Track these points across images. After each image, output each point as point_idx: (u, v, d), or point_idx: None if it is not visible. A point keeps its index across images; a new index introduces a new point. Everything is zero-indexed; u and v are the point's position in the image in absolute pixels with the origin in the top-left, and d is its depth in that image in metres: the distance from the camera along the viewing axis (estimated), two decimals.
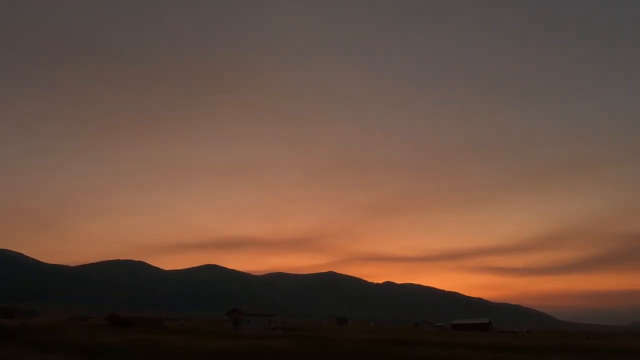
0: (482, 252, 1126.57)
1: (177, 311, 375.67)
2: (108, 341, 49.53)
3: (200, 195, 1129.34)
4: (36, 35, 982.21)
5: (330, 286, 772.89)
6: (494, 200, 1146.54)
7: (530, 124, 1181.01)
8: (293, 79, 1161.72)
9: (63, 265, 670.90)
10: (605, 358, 46.94)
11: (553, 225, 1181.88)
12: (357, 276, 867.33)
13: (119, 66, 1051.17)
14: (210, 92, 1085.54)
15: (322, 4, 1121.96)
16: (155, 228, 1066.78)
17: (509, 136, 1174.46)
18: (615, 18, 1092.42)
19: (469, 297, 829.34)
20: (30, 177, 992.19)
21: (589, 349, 61.41)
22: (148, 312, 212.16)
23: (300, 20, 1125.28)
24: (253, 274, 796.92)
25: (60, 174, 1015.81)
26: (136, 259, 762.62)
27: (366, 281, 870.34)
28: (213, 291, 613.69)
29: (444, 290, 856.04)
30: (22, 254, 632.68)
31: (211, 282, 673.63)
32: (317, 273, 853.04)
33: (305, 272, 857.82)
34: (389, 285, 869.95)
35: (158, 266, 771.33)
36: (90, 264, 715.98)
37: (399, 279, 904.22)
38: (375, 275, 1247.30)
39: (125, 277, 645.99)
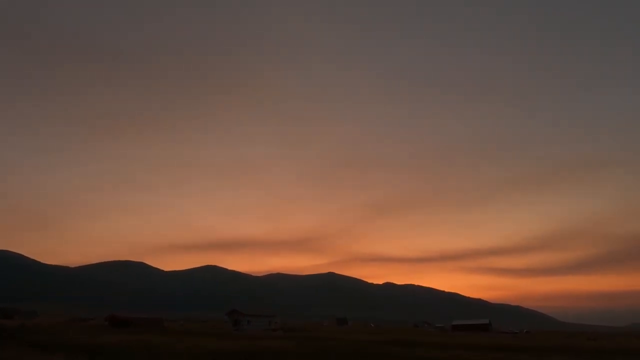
0: (483, 253, 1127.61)
1: (177, 312, 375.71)
2: (108, 342, 49.51)
3: (201, 196, 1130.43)
4: (36, 35, 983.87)
5: (331, 287, 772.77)
6: (494, 200, 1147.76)
7: (532, 124, 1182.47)
8: (293, 79, 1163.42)
9: (63, 266, 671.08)
10: (606, 359, 46.92)
11: (553, 225, 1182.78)
12: (357, 277, 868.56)
13: (119, 66, 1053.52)
14: (210, 92, 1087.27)
15: (323, 4, 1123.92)
16: (155, 228, 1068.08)
17: (509, 136, 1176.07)
18: (616, 18, 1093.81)
19: (469, 297, 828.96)
20: (30, 177, 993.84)
21: (589, 349, 61.38)
22: (148, 312, 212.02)
23: (301, 20, 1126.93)
24: (253, 274, 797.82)
25: (60, 174, 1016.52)
26: (136, 259, 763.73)
27: (366, 282, 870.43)
28: (213, 292, 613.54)
29: (444, 291, 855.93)
30: (21, 255, 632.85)
31: (211, 282, 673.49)
32: (317, 274, 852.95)
33: (305, 273, 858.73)
34: (389, 286, 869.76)
35: (158, 267, 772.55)
36: (90, 264, 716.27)
37: (399, 280, 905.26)
38: (376, 275, 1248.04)
39: (125, 278, 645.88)
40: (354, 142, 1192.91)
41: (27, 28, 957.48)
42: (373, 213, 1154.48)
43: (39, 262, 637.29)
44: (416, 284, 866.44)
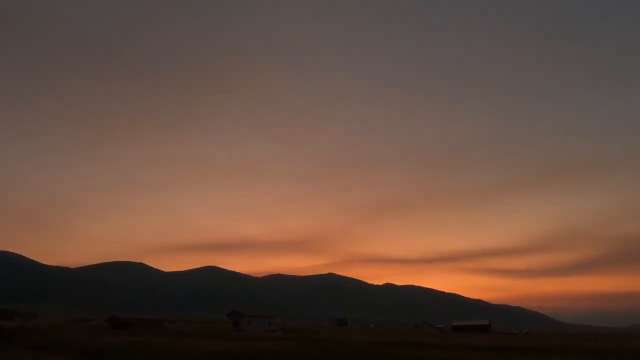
0: (482, 254, 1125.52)
1: (177, 313, 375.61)
2: (108, 343, 49.47)
3: (200, 196, 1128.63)
4: (36, 35, 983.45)
5: (331, 287, 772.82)
6: (494, 201, 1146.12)
7: (531, 125, 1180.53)
8: (293, 79, 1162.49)
9: (63, 267, 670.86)
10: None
11: (553, 226, 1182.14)
12: (357, 277, 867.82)
13: (119, 67, 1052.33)
14: (210, 92, 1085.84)
15: (323, 6, 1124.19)
16: (155, 229, 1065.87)
17: (509, 137, 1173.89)
18: (616, 18, 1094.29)
19: (469, 298, 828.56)
20: (30, 177, 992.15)
21: (589, 350, 61.37)
22: (148, 313, 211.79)
23: (300, 22, 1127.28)
24: (253, 275, 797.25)
25: (60, 174, 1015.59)
26: (136, 260, 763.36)
27: (366, 283, 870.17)
28: (213, 292, 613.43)
29: (444, 292, 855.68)
30: (21, 255, 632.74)
31: (211, 283, 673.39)
32: (317, 274, 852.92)
33: (305, 274, 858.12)
34: (389, 286, 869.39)
35: (158, 267, 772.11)
36: (90, 265, 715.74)
37: (399, 281, 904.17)
38: (376, 276, 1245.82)
39: (125, 279, 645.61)
40: (354, 143, 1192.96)
41: (26, 28, 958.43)
42: (373, 214, 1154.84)
43: (39, 263, 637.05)
44: (416, 284, 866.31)
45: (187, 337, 67.57)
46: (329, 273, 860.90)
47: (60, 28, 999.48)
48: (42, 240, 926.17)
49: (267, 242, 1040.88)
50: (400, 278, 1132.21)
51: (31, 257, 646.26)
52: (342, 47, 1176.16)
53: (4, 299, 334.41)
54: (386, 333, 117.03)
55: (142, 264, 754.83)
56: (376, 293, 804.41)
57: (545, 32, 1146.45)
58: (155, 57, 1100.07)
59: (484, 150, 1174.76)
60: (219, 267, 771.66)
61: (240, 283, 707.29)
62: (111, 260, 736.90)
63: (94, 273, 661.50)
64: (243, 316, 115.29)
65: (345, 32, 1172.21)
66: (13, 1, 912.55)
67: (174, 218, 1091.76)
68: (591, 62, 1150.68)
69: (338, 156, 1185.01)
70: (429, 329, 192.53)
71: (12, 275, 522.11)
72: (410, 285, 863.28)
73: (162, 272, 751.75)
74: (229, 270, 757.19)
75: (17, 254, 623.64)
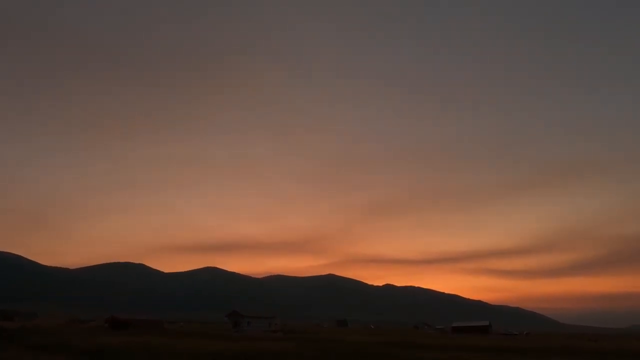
0: (483, 254, 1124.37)
1: (177, 313, 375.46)
2: (108, 343, 49.48)
3: (200, 197, 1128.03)
4: (36, 35, 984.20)
5: (330, 288, 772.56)
6: (495, 202, 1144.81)
7: (531, 125, 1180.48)
8: (293, 79, 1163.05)
9: (62, 267, 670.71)
10: None
11: (553, 227, 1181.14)
12: (357, 278, 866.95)
13: (119, 67, 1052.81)
14: (210, 92, 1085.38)
15: (323, 5, 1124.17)
16: (155, 229, 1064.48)
17: (509, 137, 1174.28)
18: (615, 19, 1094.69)
19: (469, 299, 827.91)
20: (29, 178, 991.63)
21: (589, 351, 61.37)
22: (148, 314, 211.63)
23: (301, 22, 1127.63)
24: (253, 275, 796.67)
25: (60, 174, 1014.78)
26: (136, 260, 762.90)
27: (366, 283, 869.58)
28: (213, 293, 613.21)
29: (444, 293, 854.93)
30: (21, 256, 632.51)
31: (211, 283, 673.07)
32: (317, 275, 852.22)
33: (305, 274, 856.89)
34: (389, 287, 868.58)
35: (158, 268, 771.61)
36: (90, 266, 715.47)
37: (399, 281, 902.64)
38: (375, 277, 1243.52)
39: (125, 279, 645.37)
40: (354, 143, 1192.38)
41: (26, 28, 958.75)
42: (373, 214, 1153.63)
43: (39, 264, 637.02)
44: (416, 285, 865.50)
45: (187, 337, 67.59)
46: (329, 274, 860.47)
47: (61, 28, 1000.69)
48: (42, 241, 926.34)
49: (267, 243, 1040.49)
50: (400, 278, 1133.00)
51: (31, 258, 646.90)
52: (342, 47, 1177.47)
53: (4, 299, 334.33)
54: (386, 334, 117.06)
55: (141, 264, 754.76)
56: (376, 293, 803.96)
57: (545, 32, 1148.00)
58: (155, 57, 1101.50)
59: (484, 151, 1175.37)
60: (218, 268, 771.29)
61: (240, 283, 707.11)
62: (111, 261, 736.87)
63: (94, 273, 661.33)
64: (243, 317, 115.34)
65: (346, 32, 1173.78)
66: (13, 1, 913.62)
67: (174, 218, 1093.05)
68: (591, 62, 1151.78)
69: (338, 156, 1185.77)
70: (429, 330, 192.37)
71: (12, 276, 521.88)
72: (411, 286, 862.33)
73: (162, 272, 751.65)
74: (229, 271, 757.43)
75: (17, 255, 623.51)
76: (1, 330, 69.85)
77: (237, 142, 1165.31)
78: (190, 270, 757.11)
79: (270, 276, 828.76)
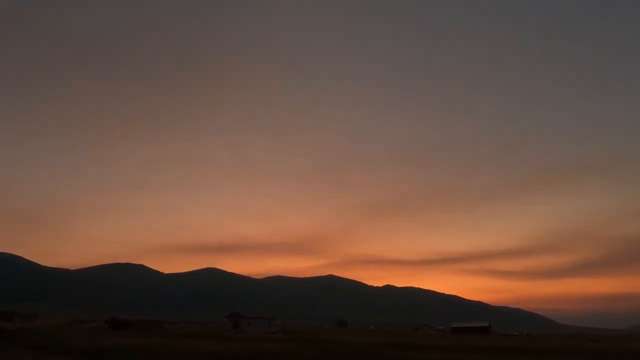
0: (483, 255, 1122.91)
1: (177, 314, 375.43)
2: (108, 344, 49.49)
3: (200, 197, 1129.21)
4: (36, 35, 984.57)
5: (330, 289, 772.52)
6: (495, 203, 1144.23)
7: (531, 125, 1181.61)
8: (293, 79, 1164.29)
9: (62, 268, 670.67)
10: None
11: (553, 228, 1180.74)
12: (357, 279, 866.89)
13: (119, 67, 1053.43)
14: (209, 92, 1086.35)
15: (323, 5, 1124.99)
16: (155, 230, 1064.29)
17: (510, 138, 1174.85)
18: (615, 19, 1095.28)
19: (469, 300, 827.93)
20: (29, 178, 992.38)
21: (589, 351, 61.34)
22: (148, 315, 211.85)
23: (300, 24, 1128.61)
24: (253, 276, 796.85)
25: (60, 174, 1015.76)
26: (135, 261, 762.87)
27: (366, 284, 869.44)
28: (213, 294, 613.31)
29: (444, 294, 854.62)
30: (21, 257, 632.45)
31: (211, 284, 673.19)
32: (317, 276, 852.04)
33: (305, 275, 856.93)
34: (389, 288, 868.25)
35: (157, 269, 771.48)
36: (90, 266, 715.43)
37: (399, 282, 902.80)
38: (375, 278, 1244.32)
39: (125, 280, 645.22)
40: (354, 143, 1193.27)
41: (26, 28, 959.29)
42: (373, 215, 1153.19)
43: (39, 264, 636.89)
44: (416, 286, 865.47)
45: (187, 338, 67.62)
46: (329, 274, 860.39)
47: (61, 28, 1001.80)
48: (41, 241, 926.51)
49: (267, 243, 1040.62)
50: (400, 279, 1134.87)
51: (31, 258, 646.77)
52: (342, 47, 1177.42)
53: (4, 300, 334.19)
54: (386, 334, 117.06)
55: (141, 265, 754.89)
56: (376, 294, 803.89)
57: (545, 32, 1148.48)
58: (155, 57, 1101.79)
59: (484, 151, 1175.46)
60: (218, 269, 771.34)
61: (240, 284, 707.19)
62: (111, 262, 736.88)
63: (94, 274, 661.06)
64: (243, 317, 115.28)
65: (346, 32, 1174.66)
66: (13, 1, 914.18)
67: (174, 218, 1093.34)
68: (591, 62, 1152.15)
69: (338, 156, 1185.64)
70: (429, 331, 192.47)
71: (11, 276, 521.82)
72: (411, 287, 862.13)
73: (162, 273, 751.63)
74: (229, 272, 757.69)
75: (17, 255, 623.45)
76: (1, 330, 69.85)
77: (237, 142, 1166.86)
78: (190, 271, 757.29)
79: (270, 277, 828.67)
